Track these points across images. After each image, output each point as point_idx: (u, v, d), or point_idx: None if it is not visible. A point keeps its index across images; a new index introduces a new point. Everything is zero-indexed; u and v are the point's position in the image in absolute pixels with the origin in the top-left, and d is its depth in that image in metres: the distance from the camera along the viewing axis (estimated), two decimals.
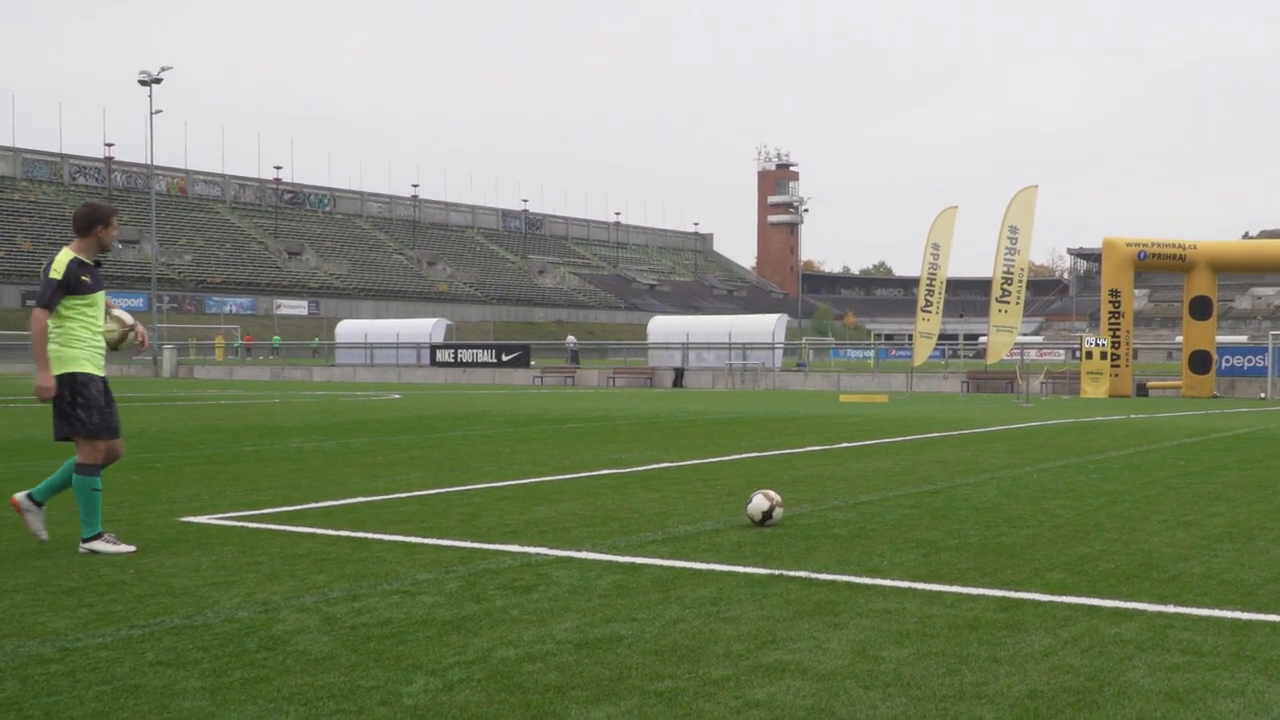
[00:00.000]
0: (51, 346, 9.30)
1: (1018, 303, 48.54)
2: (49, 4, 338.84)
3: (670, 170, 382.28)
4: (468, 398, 40.80)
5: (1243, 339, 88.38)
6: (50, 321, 9.28)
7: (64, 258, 9.31)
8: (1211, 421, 27.36)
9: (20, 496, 9.59)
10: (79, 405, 9.28)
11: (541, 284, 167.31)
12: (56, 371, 9.26)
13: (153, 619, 7.02)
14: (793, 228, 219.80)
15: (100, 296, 9.54)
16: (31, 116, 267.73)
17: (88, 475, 9.31)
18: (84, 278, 9.34)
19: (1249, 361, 48.74)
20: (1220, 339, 51.80)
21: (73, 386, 9.28)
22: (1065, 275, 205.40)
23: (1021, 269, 48.47)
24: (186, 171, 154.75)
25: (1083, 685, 5.70)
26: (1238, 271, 57.56)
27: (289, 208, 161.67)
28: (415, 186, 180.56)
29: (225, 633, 6.68)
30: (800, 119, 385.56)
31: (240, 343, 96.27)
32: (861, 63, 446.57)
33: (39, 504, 9.54)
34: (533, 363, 68.01)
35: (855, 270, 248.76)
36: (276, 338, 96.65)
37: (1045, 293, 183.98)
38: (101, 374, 9.46)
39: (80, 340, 9.35)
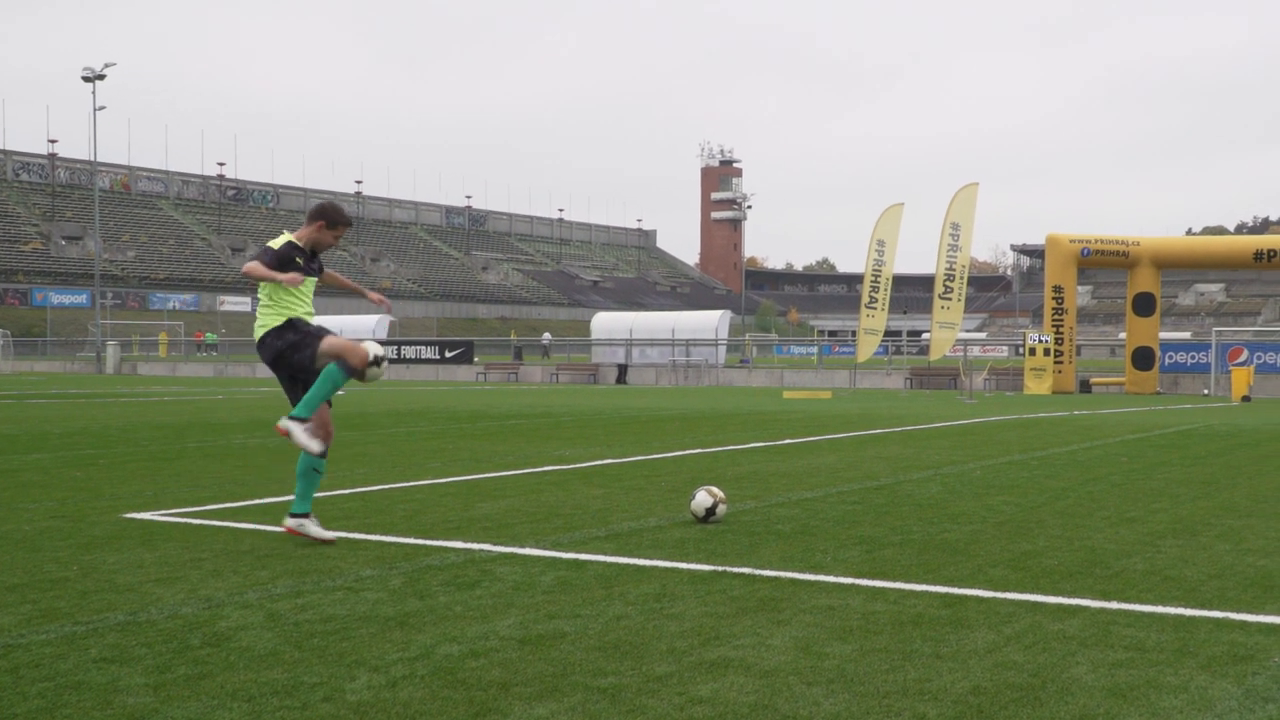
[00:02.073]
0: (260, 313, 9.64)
1: (959, 299, 48.95)
2: None
3: (614, 167, 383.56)
4: (411, 394, 40.77)
5: (1186, 335, 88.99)
6: (262, 292, 9.61)
7: (283, 237, 9.67)
8: (1155, 418, 27.60)
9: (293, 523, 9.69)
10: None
11: (485, 280, 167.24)
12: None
13: (96, 615, 6.99)
14: (736, 224, 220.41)
15: (310, 283, 9.74)
16: None
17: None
18: (296, 259, 9.57)
19: (1192, 358, 49.23)
20: (1163, 335, 52.24)
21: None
22: (1009, 272, 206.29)
23: (963, 266, 48.92)
24: (130, 168, 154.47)
25: (1026, 681, 5.73)
26: (1181, 268, 58.15)
27: (232, 204, 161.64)
28: (359, 183, 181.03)
29: (169, 629, 6.66)
30: (744, 115, 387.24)
31: (209, 338, 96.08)
32: (806, 59, 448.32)
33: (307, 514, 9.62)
34: (476, 359, 68.02)
35: (799, 267, 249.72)
36: (211, 335, 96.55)
37: (989, 289, 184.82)
38: None
39: (281, 315, 9.56)
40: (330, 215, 9.75)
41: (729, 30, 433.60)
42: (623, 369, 60.16)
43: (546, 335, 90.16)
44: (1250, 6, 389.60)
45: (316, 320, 9.83)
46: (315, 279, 9.83)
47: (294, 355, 9.53)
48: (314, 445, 9.33)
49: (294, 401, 9.66)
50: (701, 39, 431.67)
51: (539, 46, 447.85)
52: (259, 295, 9.65)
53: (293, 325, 9.52)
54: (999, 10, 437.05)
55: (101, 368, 74.29)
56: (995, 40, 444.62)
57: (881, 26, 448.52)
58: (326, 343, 9.44)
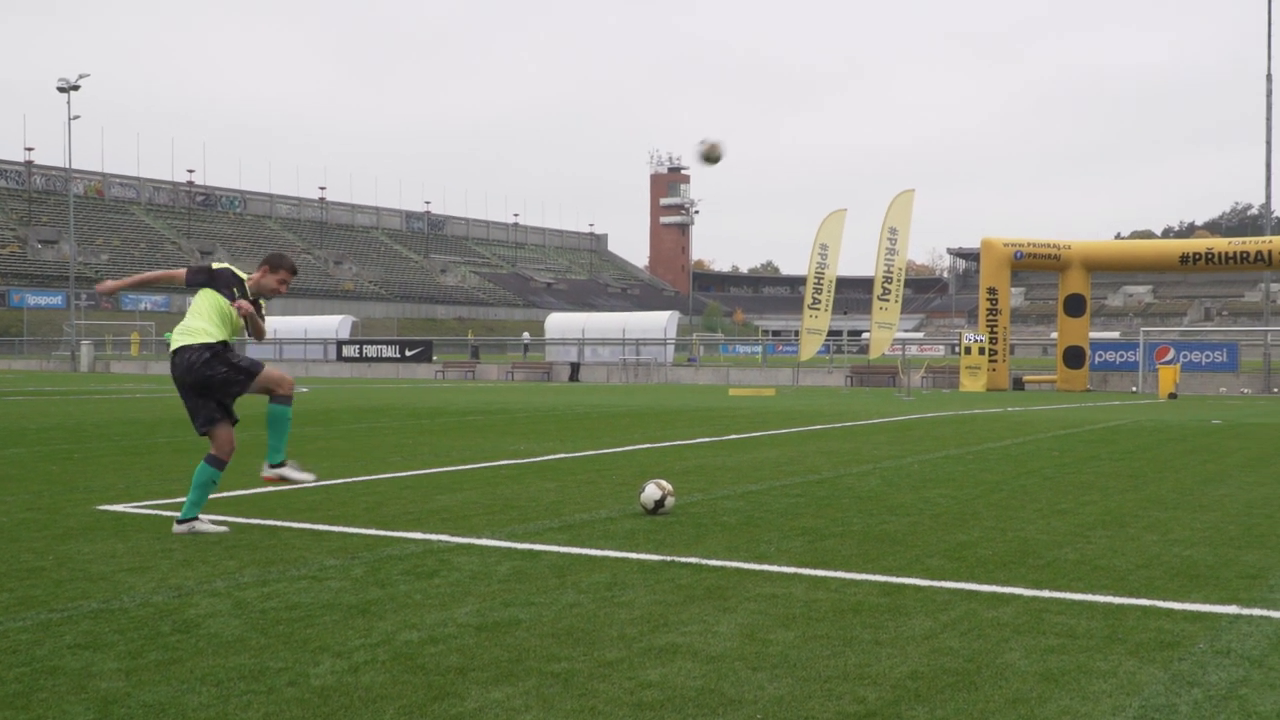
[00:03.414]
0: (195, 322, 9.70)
1: (897, 301, 49.46)
2: None
3: (567, 173, 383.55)
4: (372, 391, 40.75)
5: (1115, 335, 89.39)
6: (196, 300, 9.74)
7: (230, 266, 9.89)
8: (1085, 414, 27.87)
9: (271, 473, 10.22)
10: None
11: (443, 282, 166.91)
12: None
13: (71, 603, 7.12)
14: (684, 228, 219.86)
15: (229, 310, 9.75)
16: None
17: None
18: (234, 288, 9.74)
19: (1121, 357, 49.84)
20: (1093, 335, 52.72)
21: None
22: (945, 274, 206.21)
23: (900, 268, 49.46)
24: (103, 174, 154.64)
25: (962, 666, 5.87)
26: (1110, 270, 58.50)
27: (201, 209, 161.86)
28: (322, 189, 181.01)
29: (140, 616, 6.79)
30: (692, 123, 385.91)
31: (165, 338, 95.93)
32: (752, 70, 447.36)
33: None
34: (435, 358, 68.06)
35: (744, 269, 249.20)
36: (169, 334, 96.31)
37: (926, 291, 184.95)
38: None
39: (213, 327, 9.70)
40: (272, 260, 9.99)
41: (679, 42, 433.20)
42: (575, 367, 60.22)
43: (526, 334, 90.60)
44: (1170, 24, 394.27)
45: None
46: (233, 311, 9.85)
47: (227, 387, 9.74)
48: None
49: (194, 415, 9.81)
50: (652, 50, 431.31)
51: (496, 57, 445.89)
52: (196, 305, 9.72)
53: (223, 356, 9.69)
54: (935, 24, 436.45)
55: (76, 366, 74.39)
56: (932, 52, 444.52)
57: (823, 40, 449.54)
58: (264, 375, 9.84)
